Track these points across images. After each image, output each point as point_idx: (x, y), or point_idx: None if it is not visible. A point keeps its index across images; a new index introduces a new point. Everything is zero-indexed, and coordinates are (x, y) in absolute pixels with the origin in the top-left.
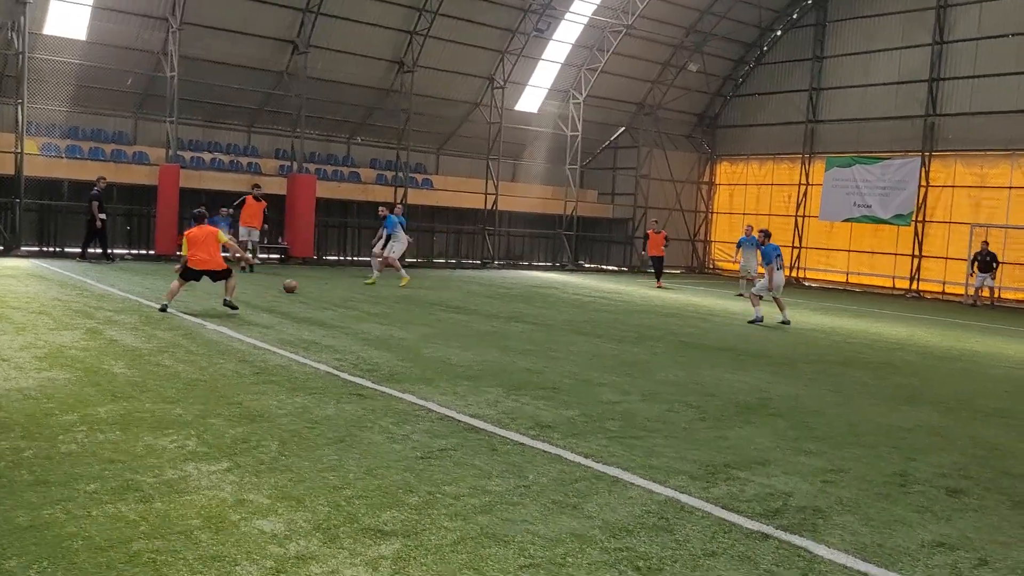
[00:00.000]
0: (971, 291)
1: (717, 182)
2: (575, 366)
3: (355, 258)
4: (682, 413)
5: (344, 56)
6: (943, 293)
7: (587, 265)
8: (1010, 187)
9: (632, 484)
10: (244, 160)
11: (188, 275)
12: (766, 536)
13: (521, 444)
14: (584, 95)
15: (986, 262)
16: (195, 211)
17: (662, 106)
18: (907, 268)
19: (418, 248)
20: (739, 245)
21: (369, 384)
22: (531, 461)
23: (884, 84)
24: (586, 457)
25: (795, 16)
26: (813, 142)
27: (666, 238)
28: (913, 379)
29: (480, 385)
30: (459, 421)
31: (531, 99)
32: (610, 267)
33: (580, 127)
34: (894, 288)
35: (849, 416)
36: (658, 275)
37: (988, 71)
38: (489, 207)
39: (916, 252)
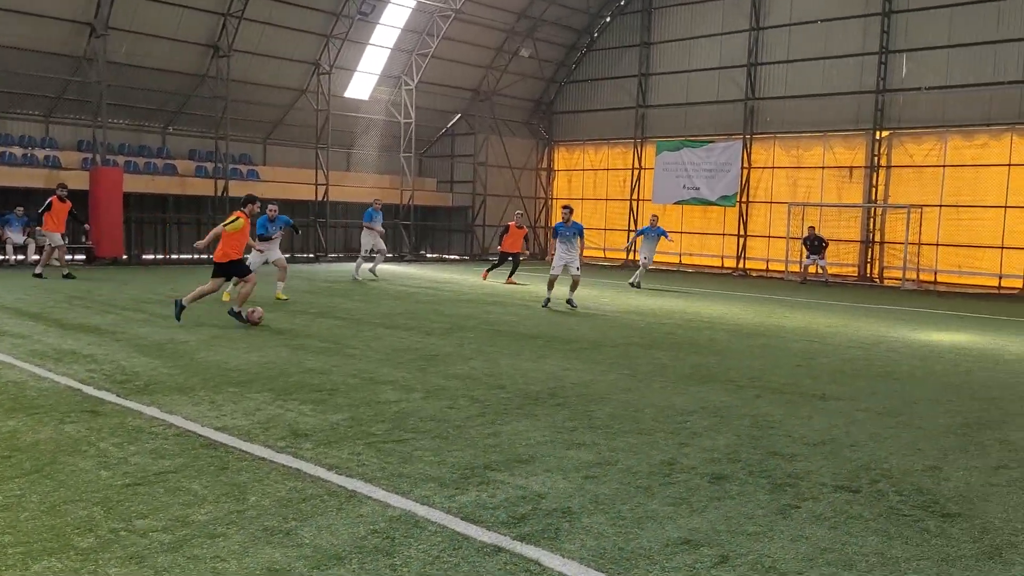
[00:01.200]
0: (800, 268)
1: (556, 168)
2: (368, 363)
3: (174, 256)
4: (462, 409)
5: (151, 39)
6: (767, 270)
7: (429, 255)
8: (823, 167)
9: (369, 498)
10: (41, 153)
11: None
12: (499, 549)
13: (261, 459)
14: (416, 81)
15: (815, 245)
16: None
17: (497, 92)
18: (734, 247)
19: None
20: (640, 233)
21: (112, 398)
22: (262, 479)
23: (707, 69)
24: (329, 469)
25: (622, 2)
26: (644, 127)
27: (526, 236)
28: (712, 358)
29: (247, 391)
30: (199, 436)
31: (361, 85)
32: (452, 256)
33: (414, 114)
34: (723, 267)
35: (636, 401)
36: (513, 271)
37: (800, 56)
38: (320, 198)
39: (741, 232)
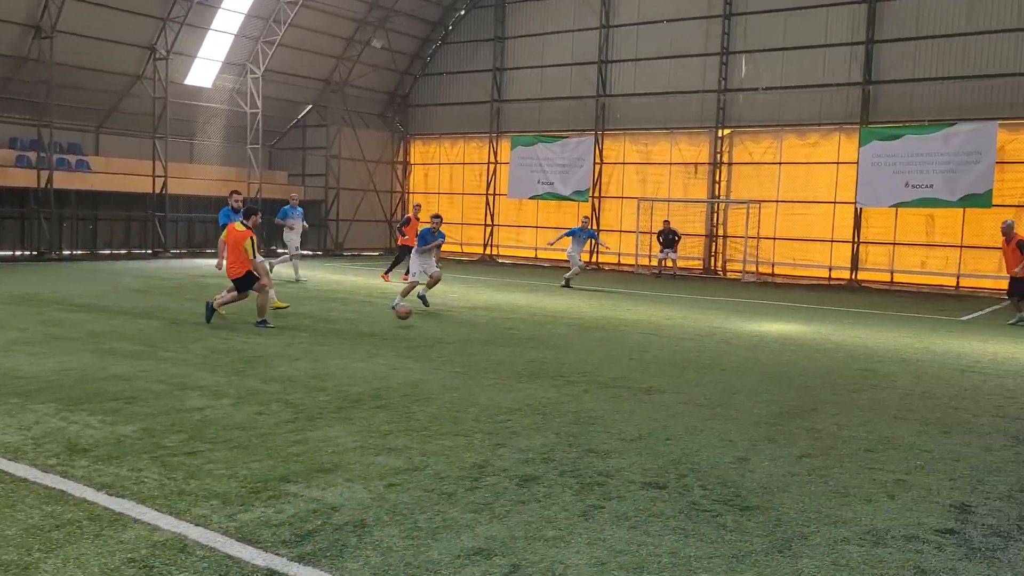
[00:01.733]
0: (656, 263)
1: (412, 162)
2: (181, 367)
3: None
4: (273, 415)
5: None
6: (619, 264)
7: (280, 251)
8: (670, 163)
9: (137, 521)
10: None
11: None
12: (272, 572)
13: (21, 480)
14: (263, 69)
15: (669, 239)
16: None
17: (349, 83)
18: (587, 242)
19: (79, 238)
20: (570, 233)
21: None
22: (14, 505)
23: (560, 65)
24: (100, 489)
25: None
26: (499, 121)
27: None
28: (549, 353)
29: (30, 402)
30: None
31: (203, 72)
32: (305, 251)
33: (260, 104)
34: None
35: (462, 400)
36: (394, 265)
37: (648, 54)
38: (159, 191)
39: (594, 226)
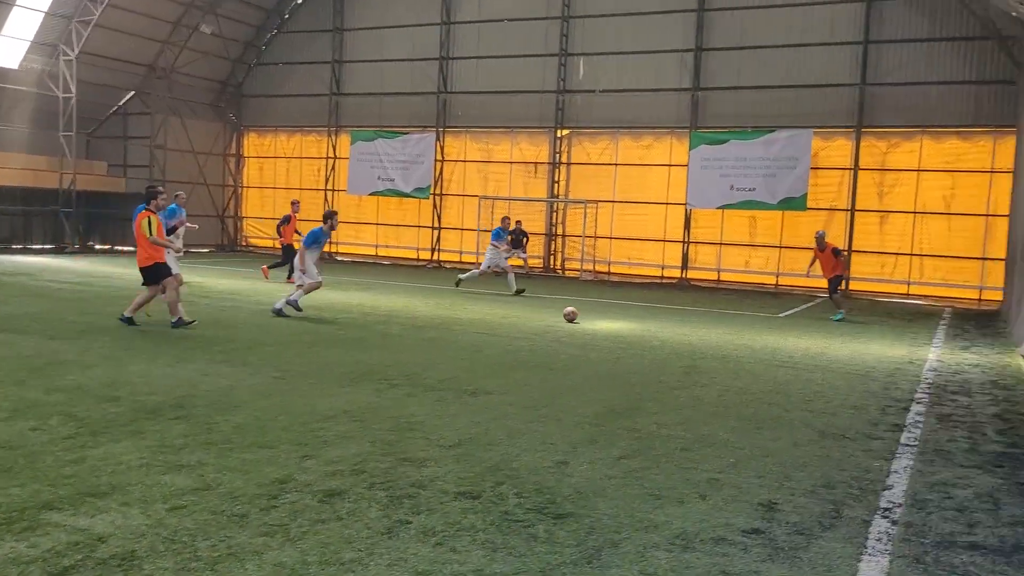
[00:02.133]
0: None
1: (246, 154)
2: None
3: None
4: (50, 431)
5: None
6: (460, 262)
7: (98, 247)
8: (511, 162)
9: None
10: None
11: None
12: None
13: None
14: (77, 51)
15: (517, 239)
16: None
17: (176, 70)
18: (429, 240)
19: None
20: (495, 236)
21: None
22: None
23: (400, 60)
24: None
25: None
26: (339, 115)
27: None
28: (378, 354)
29: None
30: None
31: (7, 52)
32: (128, 248)
33: (75, 88)
34: (418, 259)
35: (274, 408)
36: (281, 264)
37: (489, 53)
38: None
39: (436, 224)
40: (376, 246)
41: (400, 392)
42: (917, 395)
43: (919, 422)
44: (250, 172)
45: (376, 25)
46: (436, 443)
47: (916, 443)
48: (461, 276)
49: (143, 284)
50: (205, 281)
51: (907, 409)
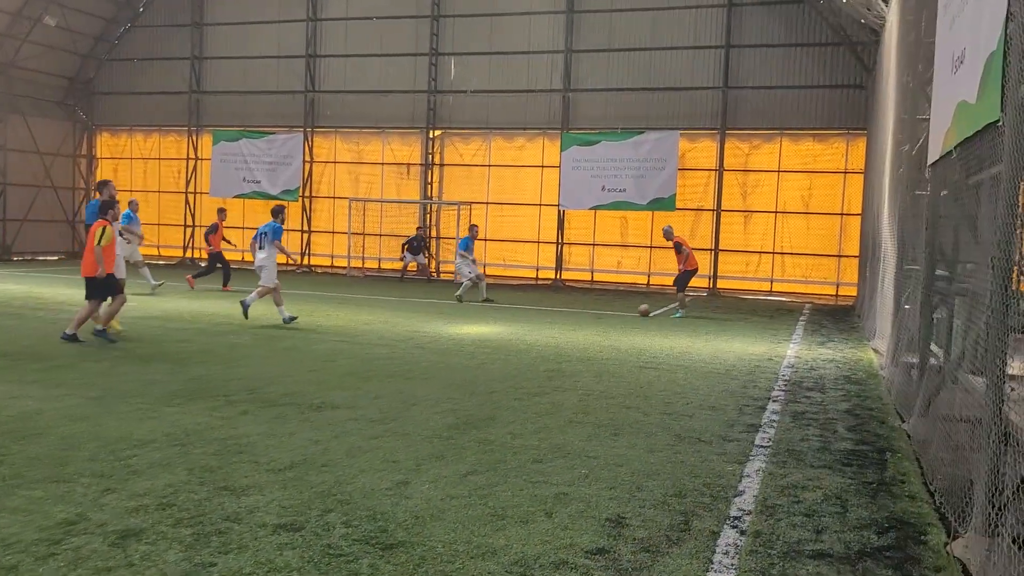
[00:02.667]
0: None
1: (98, 155)
2: None
3: None
4: None
5: None
6: (332, 267)
7: None
8: (383, 163)
9: None
10: None
11: None
12: None
13: None
14: None
15: (416, 246)
16: None
17: (17, 64)
18: (298, 243)
19: None
20: (463, 246)
21: None
22: None
23: (265, 57)
24: None
25: None
26: (200, 114)
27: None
28: (219, 368)
29: None
30: None
31: None
32: None
33: None
34: (287, 264)
35: (82, 434)
36: (204, 274)
37: (358, 51)
38: None
39: (306, 227)
40: (243, 251)
41: (235, 410)
42: (774, 393)
43: (774, 421)
44: (103, 173)
45: (239, 20)
46: (264, 467)
47: (770, 444)
48: (458, 292)
49: (86, 297)
50: (43, 291)
51: (763, 408)
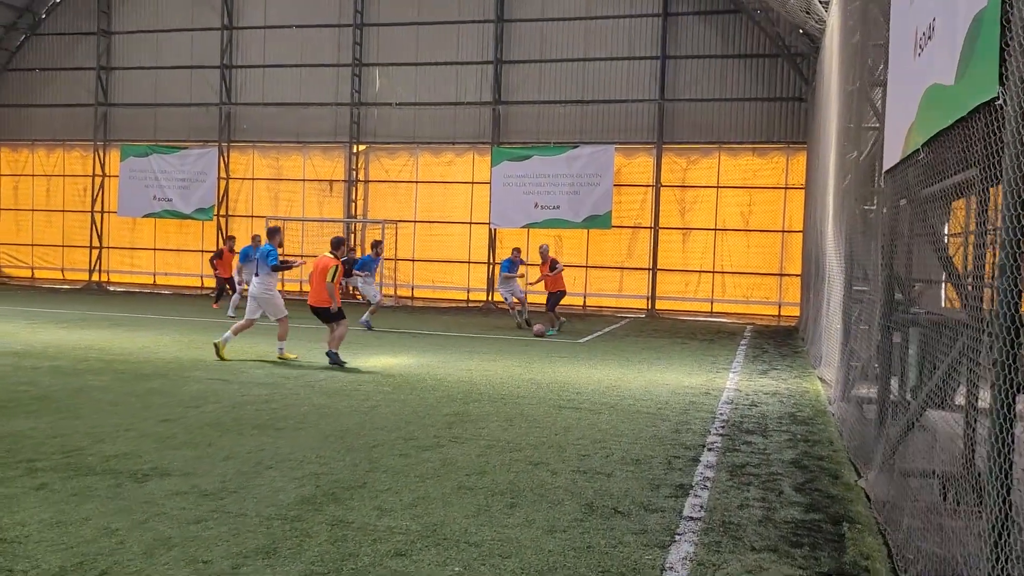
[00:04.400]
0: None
1: None
2: None
3: None
4: None
5: None
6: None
7: None
8: (304, 179)
9: None
10: None
11: None
12: None
13: None
14: None
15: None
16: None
17: None
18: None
19: None
20: (506, 268)
21: None
22: None
23: (177, 67)
24: None
25: None
26: (107, 128)
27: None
28: (48, 420)
29: None
30: None
31: None
32: None
33: None
34: (203, 288)
35: None
36: (219, 296)
37: (277, 61)
38: None
39: (220, 248)
40: (154, 274)
41: (29, 484)
42: (709, 439)
43: (708, 479)
44: (3, 192)
45: (149, 28)
46: None
47: (702, 514)
48: (517, 318)
49: (326, 322)
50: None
51: (696, 460)
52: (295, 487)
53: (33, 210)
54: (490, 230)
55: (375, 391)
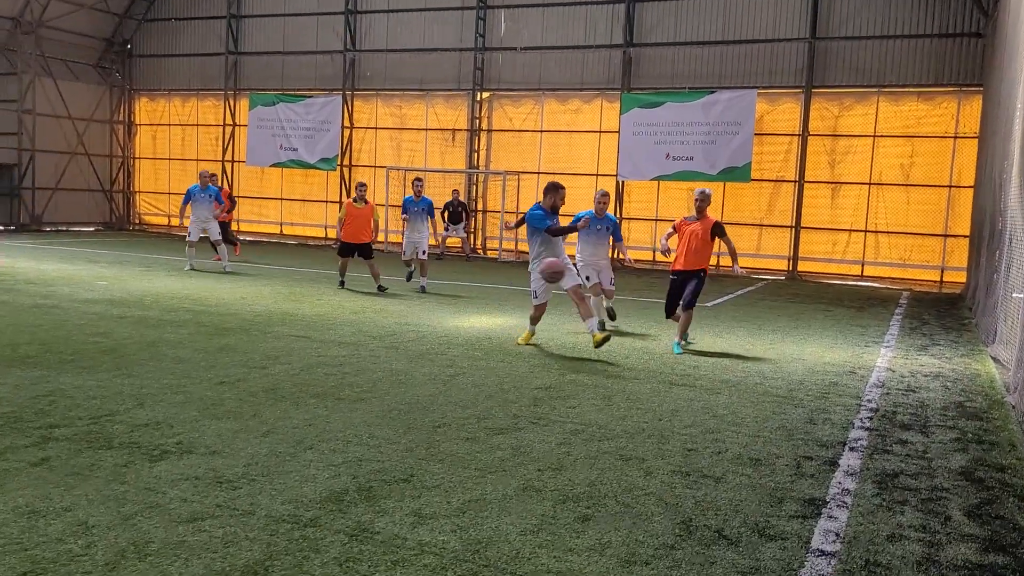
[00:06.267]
0: (437, 241)
1: (137, 121)
2: None
3: None
4: None
5: None
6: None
7: None
8: (426, 128)
9: None
10: None
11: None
12: None
13: None
14: None
15: (455, 213)
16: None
17: (47, 24)
18: (324, 216)
19: None
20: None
21: None
22: None
23: (304, 15)
24: None
25: None
26: (237, 77)
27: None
28: (102, 376)
29: None
30: None
31: None
32: None
33: None
34: (326, 239)
35: None
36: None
37: (400, 6)
38: None
39: (343, 198)
40: (280, 224)
41: (38, 455)
42: (853, 433)
43: (848, 492)
44: (142, 141)
45: None
46: None
47: (837, 546)
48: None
49: (367, 258)
50: (27, 266)
51: (834, 463)
52: (328, 476)
53: (170, 159)
54: (617, 182)
55: (462, 356)
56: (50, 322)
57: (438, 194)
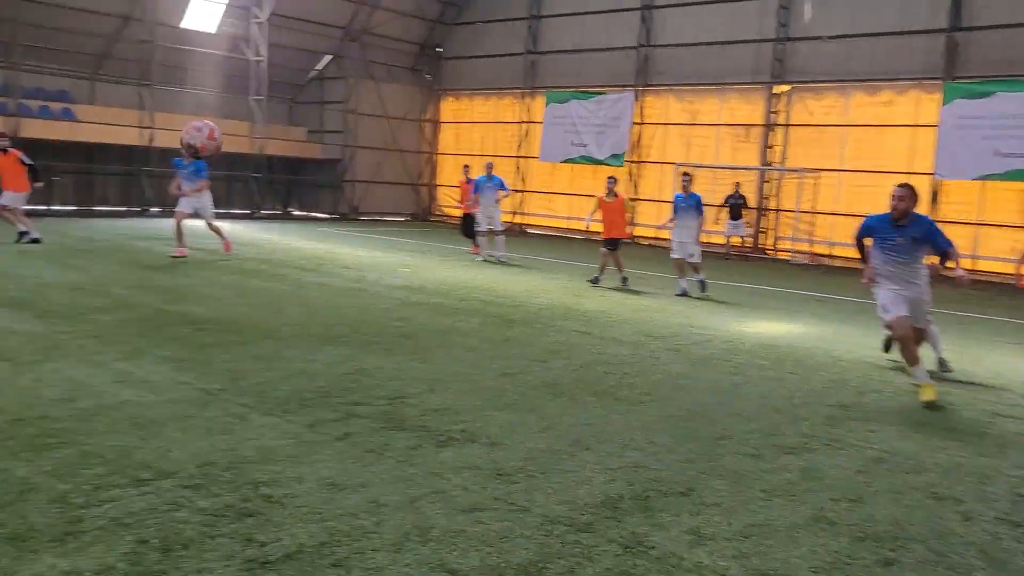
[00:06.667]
0: (724, 240)
1: (441, 120)
2: None
3: None
4: None
5: None
6: (655, 238)
7: (296, 212)
8: (719, 124)
9: None
10: None
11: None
12: None
13: None
14: (267, 14)
15: (737, 208)
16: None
17: (371, 32)
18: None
19: (76, 194)
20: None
21: None
22: None
23: (599, 12)
24: None
25: None
26: (535, 75)
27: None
28: (380, 359)
29: None
30: None
31: (202, 15)
32: (321, 214)
33: (265, 51)
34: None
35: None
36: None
37: None
38: (147, 143)
39: (632, 195)
40: (568, 219)
41: (342, 430)
42: None
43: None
44: (445, 138)
45: None
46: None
47: None
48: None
49: (613, 251)
50: (354, 253)
51: None
52: (603, 480)
53: (470, 155)
54: (931, 182)
55: (748, 363)
56: (359, 305)
57: (723, 192)
